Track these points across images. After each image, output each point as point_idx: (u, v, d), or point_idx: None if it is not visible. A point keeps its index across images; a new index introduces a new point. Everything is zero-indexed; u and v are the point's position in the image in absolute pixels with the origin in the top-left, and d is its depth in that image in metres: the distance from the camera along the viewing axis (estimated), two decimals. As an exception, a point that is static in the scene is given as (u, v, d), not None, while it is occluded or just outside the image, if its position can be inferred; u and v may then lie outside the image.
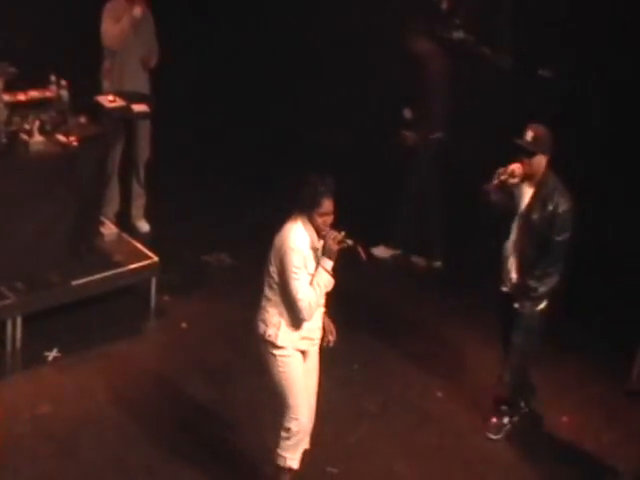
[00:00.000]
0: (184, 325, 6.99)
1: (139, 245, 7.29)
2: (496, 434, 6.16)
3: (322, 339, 5.25)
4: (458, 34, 7.85)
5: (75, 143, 6.67)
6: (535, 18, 7.85)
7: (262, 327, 5.11)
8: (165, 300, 7.20)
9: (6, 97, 6.52)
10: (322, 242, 4.98)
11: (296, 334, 5.06)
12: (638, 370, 6.62)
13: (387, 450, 6.02)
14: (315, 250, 4.98)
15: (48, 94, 6.81)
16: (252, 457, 5.73)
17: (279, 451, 5.22)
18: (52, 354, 6.35)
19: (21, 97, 6.72)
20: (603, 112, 7.64)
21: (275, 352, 5.08)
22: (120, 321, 6.90)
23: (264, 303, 5.11)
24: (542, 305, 5.88)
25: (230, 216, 8.21)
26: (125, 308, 7.05)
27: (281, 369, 5.09)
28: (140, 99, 7.33)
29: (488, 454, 6.07)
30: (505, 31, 7.76)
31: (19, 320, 6.36)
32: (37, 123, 6.56)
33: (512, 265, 5.90)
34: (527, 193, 5.74)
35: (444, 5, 7.91)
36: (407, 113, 7.56)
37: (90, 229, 7.03)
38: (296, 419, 5.13)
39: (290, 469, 5.26)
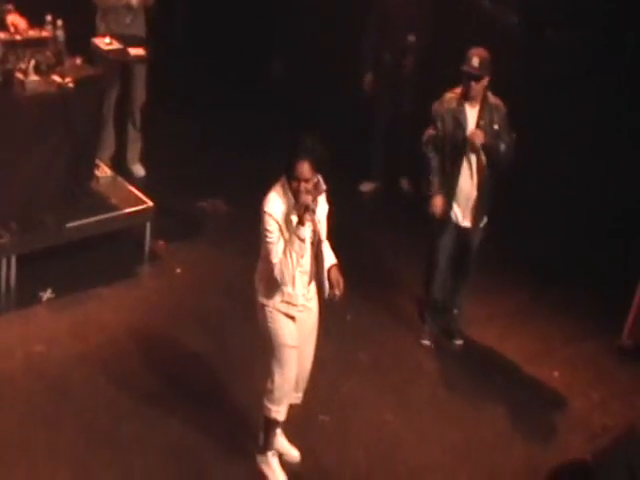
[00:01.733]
0: (178, 270, 7.03)
1: (134, 189, 7.30)
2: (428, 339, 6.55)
3: (320, 296, 5.15)
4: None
5: (71, 84, 6.58)
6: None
7: (255, 277, 5.11)
8: (159, 245, 7.21)
9: (1, 35, 6.48)
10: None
11: (276, 295, 5.00)
12: (629, 327, 6.67)
13: (378, 401, 6.06)
14: (294, 215, 4.84)
15: (44, 34, 6.72)
16: (243, 403, 5.77)
17: (264, 402, 5.21)
18: (46, 295, 6.36)
19: (17, 36, 6.63)
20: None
21: (263, 307, 5.07)
22: (114, 265, 6.92)
23: (260, 258, 5.09)
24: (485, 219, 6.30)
25: (227, 162, 8.20)
26: (119, 252, 7.08)
27: (268, 322, 5.05)
28: (137, 42, 7.30)
29: (479, 406, 6.12)
30: None
31: (13, 260, 6.38)
32: (33, 62, 6.48)
33: (468, 193, 6.11)
34: (471, 113, 6.01)
35: None
36: (411, 38, 7.69)
37: (85, 171, 6.99)
38: (280, 373, 5.10)
39: (276, 421, 5.25)
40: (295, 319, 5.10)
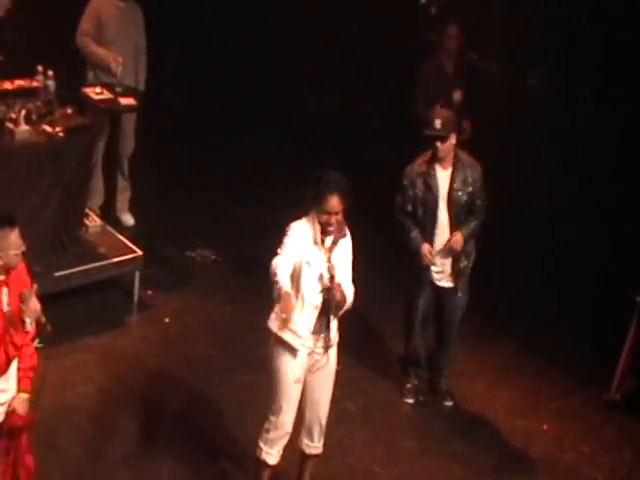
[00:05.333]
0: (167, 320, 6.98)
1: (123, 238, 7.28)
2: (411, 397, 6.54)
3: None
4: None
5: (61, 134, 6.65)
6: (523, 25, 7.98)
7: (271, 315, 5.10)
8: (148, 294, 7.19)
9: (-8, 85, 6.49)
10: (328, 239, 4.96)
11: (279, 322, 4.94)
12: (617, 381, 6.63)
13: (367, 452, 6.02)
14: (317, 247, 4.94)
15: (35, 84, 6.80)
16: (233, 452, 5.73)
17: (259, 442, 5.18)
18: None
19: (7, 86, 6.70)
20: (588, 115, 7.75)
21: (272, 340, 5.04)
22: (103, 314, 6.89)
23: None
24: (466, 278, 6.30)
25: (216, 212, 8.22)
26: (108, 301, 7.05)
27: (273, 361, 5.03)
28: (127, 92, 7.34)
29: (468, 460, 6.07)
30: (493, 37, 7.80)
31: (0, 309, 6.34)
32: (23, 112, 6.54)
33: (445, 255, 6.12)
34: (443, 176, 6.02)
35: (433, 9, 7.98)
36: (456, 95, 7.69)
37: (74, 220, 7.01)
38: (277, 412, 5.08)
39: (265, 463, 5.19)
40: (297, 353, 5.02)
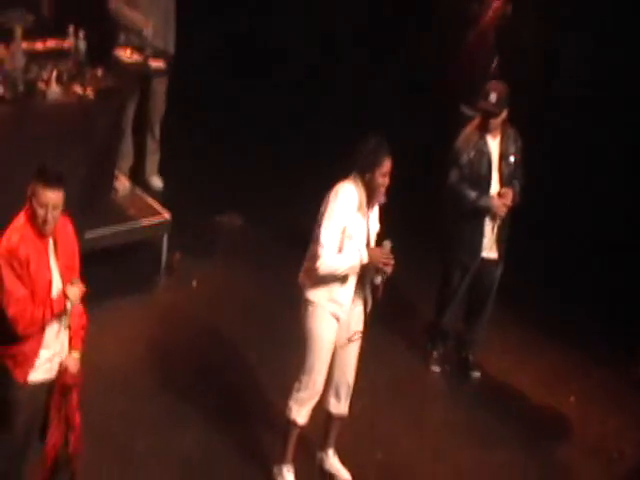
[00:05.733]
0: (194, 283, 7.04)
1: (152, 201, 7.33)
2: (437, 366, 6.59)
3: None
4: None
5: (91, 95, 6.64)
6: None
7: (301, 277, 5.12)
8: (176, 257, 7.23)
9: (24, 45, 6.51)
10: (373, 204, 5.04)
11: (323, 293, 5.03)
12: None
13: (391, 422, 6.08)
14: (361, 213, 4.99)
15: (66, 45, 6.80)
16: (259, 418, 5.83)
17: (289, 402, 5.24)
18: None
19: (39, 46, 6.72)
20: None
21: (308, 305, 5.09)
22: (131, 276, 6.95)
23: (307, 255, 5.12)
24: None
25: (245, 177, 8.19)
26: (136, 263, 7.10)
27: (310, 324, 5.08)
28: (158, 55, 7.28)
29: (493, 431, 6.12)
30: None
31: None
32: (54, 73, 6.53)
33: (495, 223, 6.16)
34: (493, 144, 6.08)
35: None
36: None
37: (104, 182, 7.00)
38: (310, 373, 5.14)
39: (295, 423, 5.26)
40: (339, 320, 5.11)
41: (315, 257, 4.93)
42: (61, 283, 4.46)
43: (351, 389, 5.34)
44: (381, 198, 5.02)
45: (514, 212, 6.19)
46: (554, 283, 7.40)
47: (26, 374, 4.46)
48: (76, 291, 4.47)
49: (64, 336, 4.55)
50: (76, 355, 4.60)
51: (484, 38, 7.78)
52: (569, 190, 7.91)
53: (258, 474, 5.48)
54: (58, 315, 4.43)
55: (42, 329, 4.42)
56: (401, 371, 6.53)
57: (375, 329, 6.52)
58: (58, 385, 4.59)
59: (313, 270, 4.97)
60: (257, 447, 5.64)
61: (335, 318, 5.10)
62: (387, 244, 5.00)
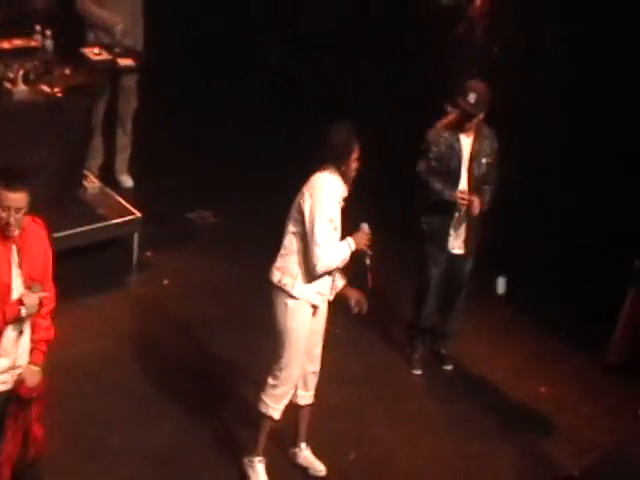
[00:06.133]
0: (166, 281, 7.05)
1: (122, 200, 7.34)
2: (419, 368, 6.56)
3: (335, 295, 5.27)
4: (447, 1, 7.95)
5: (59, 94, 6.67)
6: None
7: (277, 275, 5.10)
8: (147, 255, 7.25)
9: (-10, 45, 6.50)
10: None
11: (311, 287, 5.07)
12: (615, 345, 6.71)
13: (369, 412, 6.11)
14: (341, 199, 5.05)
15: (33, 43, 6.84)
16: (230, 411, 5.85)
17: (263, 397, 5.25)
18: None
19: (5, 45, 6.73)
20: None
21: (288, 302, 5.08)
22: (102, 274, 6.95)
23: (282, 252, 5.11)
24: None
25: (215, 174, 8.23)
26: (108, 262, 7.11)
27: (289, 321, 5.09)
28: (127, 52, 7.34)
29: (468, 420, 6.17)
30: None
31: (0, 269, 6.37)
32: (21, 72, 6.55)
33: (463, 221, 6.13)
34: (466, 142, 6.00)
35: None
36: None
37: (73, 181, 7.09)
38: (286, 371, 5.16)
39: (271, 418, 5.29)
40: (317, 310, 5.17)
41: (312, 256, 4.96)
42: (23, 289, 4.36)
43: (317, 377, 5.39)
44: (351, 182, 5.08)
45: (487, 212, 6.20)
46: (528, 273, 7.45)
47: None
48: (33, 298, 4.34)
49: (24, 347, 4.46)
50: (35, 368, 4.49)
51: (471, 32, 7.67)
52: (547, 189, 7.90)
53: (232, 467, 5.51)
54: (11, 321, 4.32)
55: None
56: (378, 363, 6.58)
57: (352, 324, 6.65)
58: (13, 397, 4.50)
59: (310, 269, 5.01)
60: (231, 440, 5.67)
61: (313, 308, 5.14)
62: (365, 226, 5.07)
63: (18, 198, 4.26)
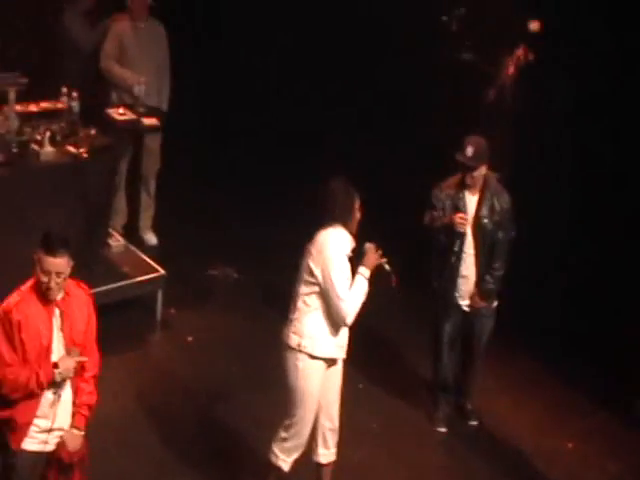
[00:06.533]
0: (190, 338, 7.08)
1: (146, 257, 7.42)
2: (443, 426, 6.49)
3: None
4: (467, 55, 7.93)
5: (85, 154, 6.73)
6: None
7: (295, 339, 5.14)
8: (171, 313, 7.30)
9: (18, 107, 6.66)
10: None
11: (332, 342, 5.14)
12: None
13: (390, 470, 6.07)
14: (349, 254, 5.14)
15: (59, 105, 6.93)
16: (250, 465, 5.82)
17: (274, 447, 5.31)
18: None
19: (32, 108, 6.86)
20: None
21: (299, 363, 5.14)
22: (126, 333, 6.97)
23: (297, 315, 5.16)
24: (495, 303, 6.29)
25: (238, 231, 8.31)
26: (131, 320, 7.13)
27: (302, 381, 5.15)
28: (151, 112, 7.44)
29: (492, 478, 6.12)
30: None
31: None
32: (48, 134, 6.65)
33: (470, 278, 6.12)
34: (471, 201, 6.00)
35: (454, 27, 7.99)
36: None
37: (97, 240, 7.11)
38: (297, 427, 5.24)
39: (280, 469, 5.33)
40: (335, 363, 5.22)
41: (339, 312, 5.06)
42: (64, 352, 4.42)
43: (337, 432, 5.38)
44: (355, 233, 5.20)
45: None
46: (550, 324, 7.40)
47: (19, 441, 4.43)
48: (69, 362, 4.38)
49: (64, 410, 4.50)
50: (76, 432, 4.53)
51: (502, 101, 7.62)
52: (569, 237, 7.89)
53: None
54: (47, 384, 4.37)
55: (31, 396, 4.37)
56: (399, 420, 6.55)
57: (375, 378, 6.69)
58: (54, 459, 4.53)
59: (338, 324, 5.11)
60: None
61: (331, 363, 5.20)
62: (368, 246, 5.15)
63: (59, 263, 4.36)
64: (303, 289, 5.08)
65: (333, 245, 5.05)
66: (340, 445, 5.75)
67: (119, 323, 6.97)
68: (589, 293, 7.52)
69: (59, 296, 4.40)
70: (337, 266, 5.02)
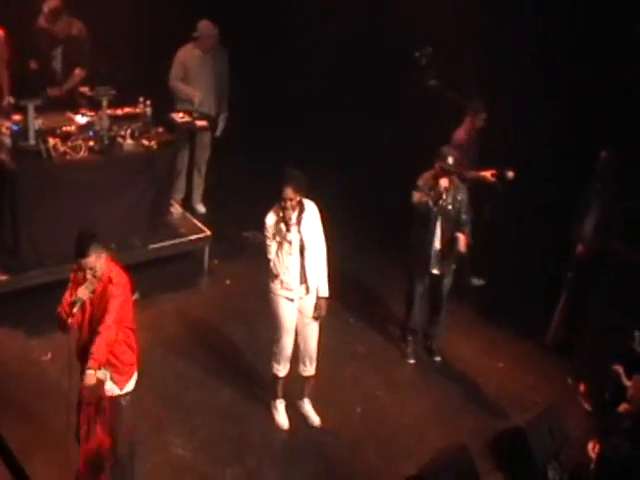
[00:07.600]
0: (228, 282, 7.43)
1: (197, 222, 7.70)
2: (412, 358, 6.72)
3: (314, 308, 5.53)
4: (434, 82, 7.83)
5: (155, 146, 7.07)
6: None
7: (269, 282, 5.63)
8: (214, 263, 7.60)
9: (108, 111, 7.00)
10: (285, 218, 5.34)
11: (277, 284, 5.51)
12: (552, 332, 6.91)
13: (372, 381, 6.35)
14: (283, 224, 5.32)
15: (137, 110, 7.23)
16: (262, 376, 6.06)
17: (272, 361, 5.75)
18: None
19: (118, 112, 7.16)
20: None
21: (271, 295, 5.60)
22: (182, 277, 7.34)
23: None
24: (453, 266, 6.47)
25: (265, 204, 8.07)
26: (185, 268, 7.46)
27: (272, 305, 5.63)
28: (202, 116, 7.77)
29: (444, 387, 6.34)
30: (470, 79, 7.58)
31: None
32: (129, 131, 6.99)
33: (437, 250, 6.33)
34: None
35: (423, 60, 7.96)
36: None
37: (163, 208, 7.42)
38: (279, 342, 5.64)
39: (276, 376, 5.76)
40: (294, 301, 5.49)
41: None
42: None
43: (314, 357, 5.70)
44: (289, 215, 5.25)
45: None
46: (495, 278, 7.45)
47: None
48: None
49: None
50: (90, 372, 4.38)
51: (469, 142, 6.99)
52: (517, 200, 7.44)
53: (265, 409, 5.81)
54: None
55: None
56: (379, 343, 6.76)
57: (362, 313, 6.96)
58: (84, 399, 4.59)
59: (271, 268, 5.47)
60: (263, 395, 5.95)
61: (290, 300, 5.47)
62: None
63: (88, 261, 4.37)
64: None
65: (266, 217, 5.29)
66: (333, 363, 6.16)
67: (177, 270, 7.37)
68: (527, 253, 7.31)
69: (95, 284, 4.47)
70: (264, 231, 5.30)
